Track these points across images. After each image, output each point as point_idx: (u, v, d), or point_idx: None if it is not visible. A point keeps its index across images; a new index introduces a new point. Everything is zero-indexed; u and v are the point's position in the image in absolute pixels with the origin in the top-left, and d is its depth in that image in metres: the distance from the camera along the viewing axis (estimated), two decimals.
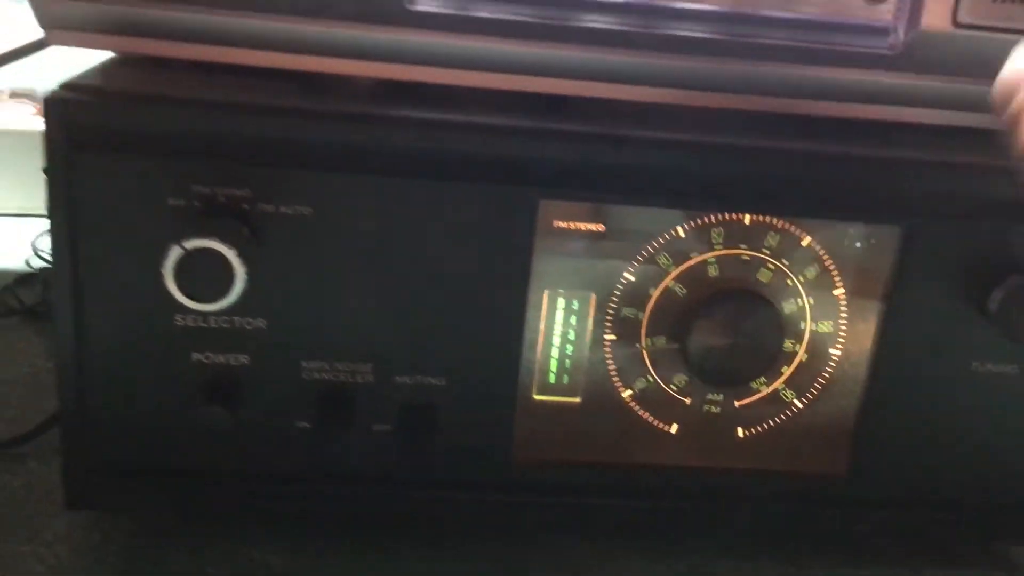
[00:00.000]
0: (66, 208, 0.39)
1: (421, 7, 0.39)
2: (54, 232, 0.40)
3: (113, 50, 0.43)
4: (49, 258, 0.71)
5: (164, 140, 0.39)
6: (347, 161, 0.40)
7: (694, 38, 0.41)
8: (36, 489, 0.48)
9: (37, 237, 0.75)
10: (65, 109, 0.38)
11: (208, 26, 0.40)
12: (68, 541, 0.44)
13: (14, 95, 0.95)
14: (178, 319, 0.41)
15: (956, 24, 0.41)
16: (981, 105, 0.43)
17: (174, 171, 0.39)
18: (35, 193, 0.84)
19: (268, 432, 0.44)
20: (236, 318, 0.42)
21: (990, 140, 0.45)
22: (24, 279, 0.70)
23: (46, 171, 0.39)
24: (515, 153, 0.41)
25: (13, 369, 0.59)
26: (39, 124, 0.84)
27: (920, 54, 0.41)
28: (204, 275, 0.38)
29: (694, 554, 0.48)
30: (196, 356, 0.42)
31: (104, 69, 0.43)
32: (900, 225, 0.44)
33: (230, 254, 0.38)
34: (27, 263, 0.74)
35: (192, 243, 0.37)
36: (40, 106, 0.92)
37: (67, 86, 0.40)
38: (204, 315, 0.41)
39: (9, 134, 0.83)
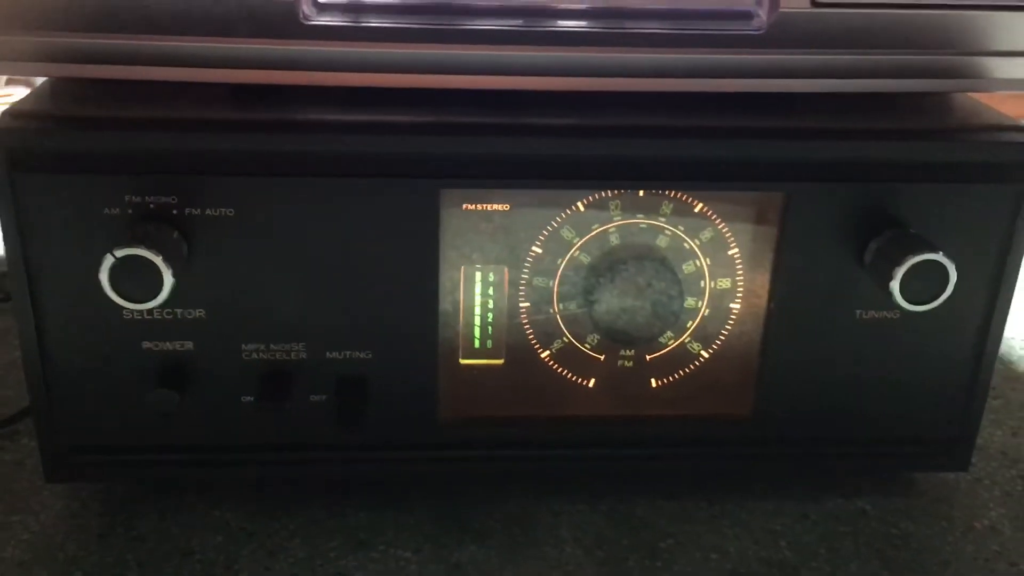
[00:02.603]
0: (15, 223, 0.44)
1: (315, 22, 0.43)
2: (7, 245, 0.45)
3: (47, 76, 0.47)
4: None
5: (96, 158, 0.44)
6: (263, 165, 0.45)
7: (574, 31, 0.45)
8: (26, 465, 0.54)
9: None
10: (4, 136, 0.43)
11: (130, 50, 0.44)
12: (52, 510, 0.50)
13: (11, 81, 1.00)
14: (126, 313, 0.46)
15: (813, 3, 0.44)
16: (843, 73, 0.46)
17: (107, 185, 0.44)
18: None
19: (217, 407, 0.49)
20: (178, 310, 0.47)
21: (857, 105, 0.49)
22: None
23: None
24: (413, 148, 0.45)
25: (10, 352, 0.65)
26: None
27: (784, 32, 0.44)
28: (135, 279, 0.43)
29: (614, 495, 0.53)
30: (145, 344, 0.47)
31: (40, 94, 0.48)
32: (782, 190, 0.47)
33: (157, 259, 0.42)
34: None
35: (122, 252, 0.42)
36: None
37: (6, 114, 0.44)
38: (149, 309, 0.46)
39: None
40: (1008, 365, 0.68)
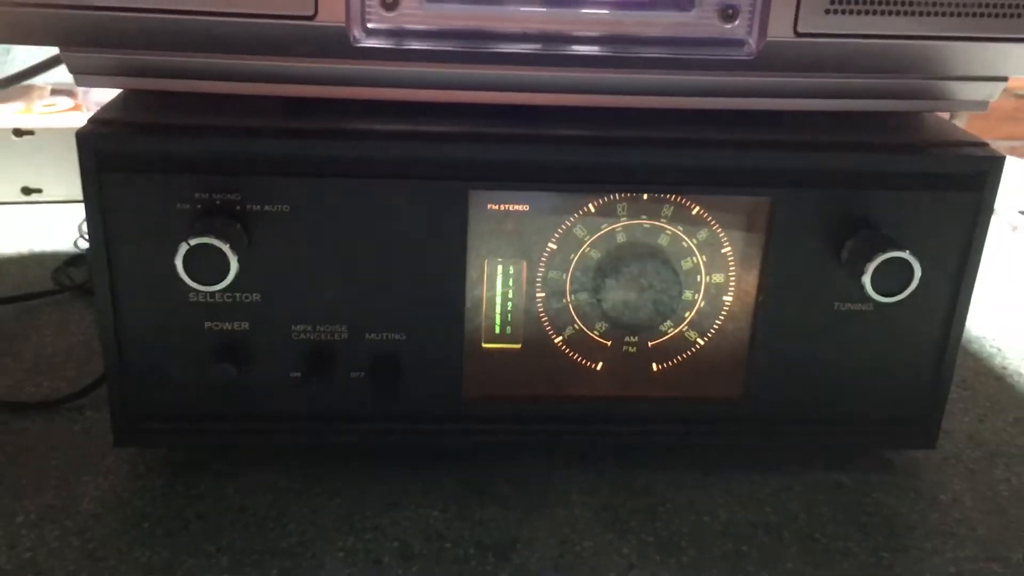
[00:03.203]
0: (99, 216, 0.51)
1: (364, 44, 0.50)
2: (91, 234, 0.51)
3: (127, 88, 0.54)
4: None
5: (171, 160, 0.50)
6: (314, 168, 0.51)
7: (587, 54, 0.51)
8: (93, 433, 0.60)
9: (83, 221, 0.87)
10: (93, 141, 0.49)
11: (201, 66, 0.51)
12: (118, 472, 0.57)
13: (55, 91, 1.07)
14: (191, 296, 0.53)
15: (797, 34, 0.50)
16: (824, 94, 0.53)
17: (180, 183, 0.50)
18: (79, 182, 0.96)
19: (268, 381, 0.55)
20: (237, 294, 0.53)
21: (836, 121, 0.55)
22: (73, 260, 0.82)
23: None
24: (446, 154, 0.52)
25: (68, 338, 0.71)
26: (79, 119, 0.97)
27: (771, 58, 0.51)
28: (206, 264, 0.49)
29: (618, 467, 0.59)
30: (208, 324, 0.54)
31: (120, 104, 0.54)
32: (769, 195, 0.54)
33: (224, 247, 0.49)
34: (75, 244, 0.87)
35: (195, 240, 0.49)
36: (78, 100, 1.04)
37: (93, 121, 0.51)
38: (211, 293, 0.52)
39: (54, 131, 0.95)
40: (979, 361, 0.75)
